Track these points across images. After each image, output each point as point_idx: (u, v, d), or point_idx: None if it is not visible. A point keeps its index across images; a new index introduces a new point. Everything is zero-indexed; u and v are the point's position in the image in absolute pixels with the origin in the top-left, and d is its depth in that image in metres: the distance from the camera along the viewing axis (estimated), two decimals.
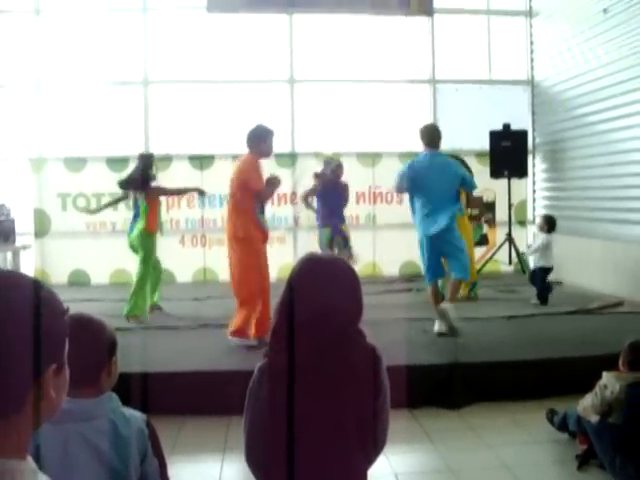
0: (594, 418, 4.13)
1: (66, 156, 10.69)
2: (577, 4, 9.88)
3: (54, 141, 10.94)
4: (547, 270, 8.51)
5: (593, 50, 9.41)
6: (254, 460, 2.33)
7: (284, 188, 10.80)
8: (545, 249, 8.45)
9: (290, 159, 11.18)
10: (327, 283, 2.26)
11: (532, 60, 11.56)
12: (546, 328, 6.97)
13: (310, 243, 9.58)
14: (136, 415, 2.20)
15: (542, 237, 8.57)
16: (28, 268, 10.32)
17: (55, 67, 10.94)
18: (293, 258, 10.47)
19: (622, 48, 8.68)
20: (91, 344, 2.12)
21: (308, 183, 9.19)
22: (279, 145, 10.93)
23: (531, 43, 11.56)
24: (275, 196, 10.43)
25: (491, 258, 10.79)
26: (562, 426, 4.65)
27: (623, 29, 8.68)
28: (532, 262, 8.88)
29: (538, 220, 9.07)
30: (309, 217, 10.69)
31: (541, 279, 8.50)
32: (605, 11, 9.03)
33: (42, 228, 10.67)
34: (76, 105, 10.98)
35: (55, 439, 1.99)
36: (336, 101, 11.37)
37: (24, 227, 10.29)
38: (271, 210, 10.66)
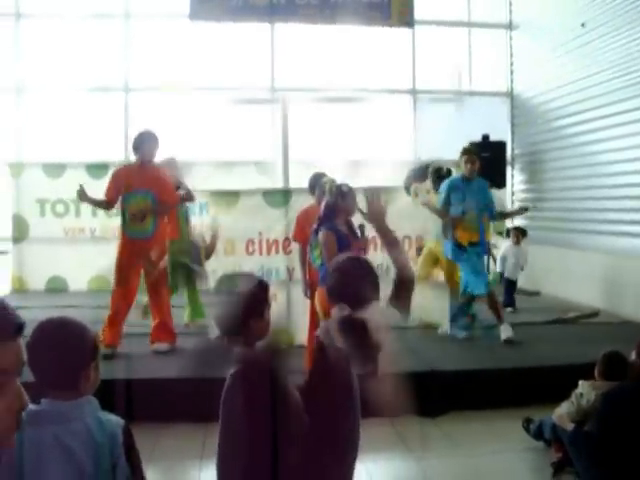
0: (570, 426, 4.19)
1: (45, 162, 10.58)
2: (556, 18, 9.99)
3: (33, 146, 10.85)
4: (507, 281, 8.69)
5: (571, 63, 9.55)
6: (227, 467, 2.34)
7: (276, 233, 8.15)
8: (503, 260, 8.58)
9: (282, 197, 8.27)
10: None
11: (512, 72, 11.65)
12: (523, 337, 6.97)
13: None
14: (112, 420, 2.19)
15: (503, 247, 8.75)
16: (5, 274, 10.21)
17: (35, 72, 10.88)
18: (287, 318, 7.79)
19: (600, 62, 8.79)
20: (70, 347, 2.13)
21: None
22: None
23: (511, 55, 11.66)
24: (265, 244, 8.27)
25: None
26: (538, 434, 4.70)
27: (601, 43, 8.79)
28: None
29: None
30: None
31: (505, 289, 8.72)
32: (583, 25, 9.14)
33: (20, 234, 10.56)
34: (56, 111, 10.91)
35: (30, 440, 1.99)
36: (338, 126, 11.30)
37: (2, 232, 10.14)
38: (259, 260, 8.22)
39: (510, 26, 11.63)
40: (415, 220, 7.88)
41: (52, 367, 2.06)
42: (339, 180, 5.88)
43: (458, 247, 6.98)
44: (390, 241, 2.95)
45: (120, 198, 6.48)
